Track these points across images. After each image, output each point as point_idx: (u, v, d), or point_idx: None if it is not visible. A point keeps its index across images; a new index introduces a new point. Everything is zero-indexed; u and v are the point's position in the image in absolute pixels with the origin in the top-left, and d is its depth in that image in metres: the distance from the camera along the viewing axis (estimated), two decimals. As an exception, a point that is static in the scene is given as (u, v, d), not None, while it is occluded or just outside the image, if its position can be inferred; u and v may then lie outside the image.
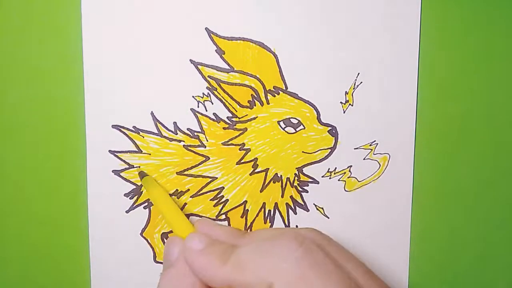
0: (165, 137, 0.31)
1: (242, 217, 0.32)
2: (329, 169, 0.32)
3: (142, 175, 0.31)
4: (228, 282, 0.23)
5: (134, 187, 0.31)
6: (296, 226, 0.32)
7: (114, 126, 0.31)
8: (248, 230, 0.32)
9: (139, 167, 0.31)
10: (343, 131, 0.32)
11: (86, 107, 0.30)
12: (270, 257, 0.23)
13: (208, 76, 0.31)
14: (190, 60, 0.30)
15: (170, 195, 0.31)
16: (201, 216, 0.32)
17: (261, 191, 0.32)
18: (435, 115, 0.32)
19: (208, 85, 0.31)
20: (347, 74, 0.31)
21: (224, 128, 0.31)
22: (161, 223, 0.32)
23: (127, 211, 0.31)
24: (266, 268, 0.22)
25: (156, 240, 0.32)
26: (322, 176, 0.32)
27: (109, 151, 0.31)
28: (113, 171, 0.31)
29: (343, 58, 0.31)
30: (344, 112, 0.32)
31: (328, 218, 0.32)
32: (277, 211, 0.32)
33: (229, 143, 0.31)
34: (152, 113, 0.31)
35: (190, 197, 0.32)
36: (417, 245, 0.33)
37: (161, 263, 0.32)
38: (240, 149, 0.31)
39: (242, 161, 0.31)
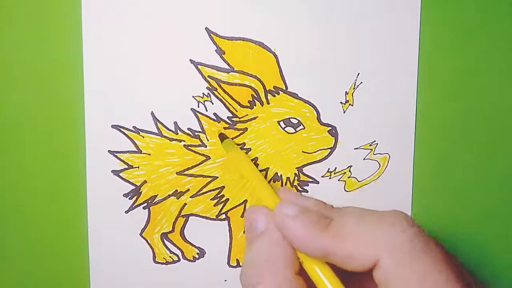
0: (165, 137, 0.31)
1: (242, 216, 0.32)
2: (329, 169, 0.32)
3: (222, 137, 0.30)
4: (326, 250, 0.22)
5: (134, 187, 0.31)
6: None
7: (113, 126, 0.31)
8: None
9: (138, 167, 0.31)
10: (343, 131, 0.32)
11: (85, 107, 0.30)
12: (379, 232, 0.22)
13: (208, 76, 0.30)
14: (190, 60, 0.30)
15: (170, 195, 0.31)
16: (201, 216, 0.32)
17: (261, 191, 0.32)
18: (434, 115, 0.32)
19: (208, 85, 0.31)
20: (347, 74, 0.31)
21: (224, 128, 0.31)
22: (160, 224, 0.32)
23: (126, 211, 0.31)
24: (374, 242, 0.22)
25: (156, 240, 0.32)
26: (322, 176, 0.32)
27: (109, 151, 0.31)
28: (112, 171, 0.31)
29: (343, 58, 0.31)
30: (344, 112, 0.32)
31: (328, 218, 0.32)
32: (277, 211, 0.32)
33: (229, 142, 0.31)
34: (152, 113, 0.31)
35: (190, 197, 0.32)
36: (417, 245, 0.33)
37: (160, 263, 0.32)
38: (240, 149, 0.31)
39: (243, 160, 0.31)
